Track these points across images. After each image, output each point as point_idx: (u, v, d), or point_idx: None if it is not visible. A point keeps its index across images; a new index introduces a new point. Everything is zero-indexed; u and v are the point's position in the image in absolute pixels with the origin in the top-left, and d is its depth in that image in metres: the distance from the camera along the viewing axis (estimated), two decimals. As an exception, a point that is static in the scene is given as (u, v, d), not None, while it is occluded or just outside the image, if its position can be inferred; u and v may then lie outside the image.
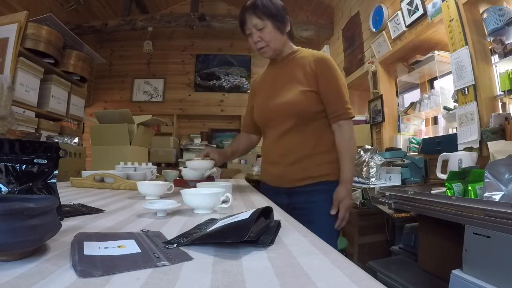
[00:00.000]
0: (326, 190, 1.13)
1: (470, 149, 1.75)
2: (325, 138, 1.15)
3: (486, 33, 1.76)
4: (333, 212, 1.11)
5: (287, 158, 1.15)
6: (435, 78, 2.48)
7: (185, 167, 1.34)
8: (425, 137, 2.48)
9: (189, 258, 0.40)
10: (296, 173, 1.13)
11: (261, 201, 1.01)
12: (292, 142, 1.14)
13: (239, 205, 0.88)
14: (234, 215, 0.56)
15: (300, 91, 1.12)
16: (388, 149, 2.49)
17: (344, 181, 1.11)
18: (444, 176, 1.53)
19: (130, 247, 0.43)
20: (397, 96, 2.87)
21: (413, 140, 2.61)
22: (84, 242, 0.43)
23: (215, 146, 4.36)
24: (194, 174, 1.34)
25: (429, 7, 2.18)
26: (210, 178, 1.40)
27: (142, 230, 0.54)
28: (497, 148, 1.48)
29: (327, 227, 1.12)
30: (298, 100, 1.12)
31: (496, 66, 1.78)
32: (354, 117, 1.17)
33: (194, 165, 1.28)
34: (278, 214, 0.75)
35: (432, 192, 1.33)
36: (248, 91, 1.40)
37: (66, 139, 2.55)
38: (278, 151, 1.17)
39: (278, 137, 1.17)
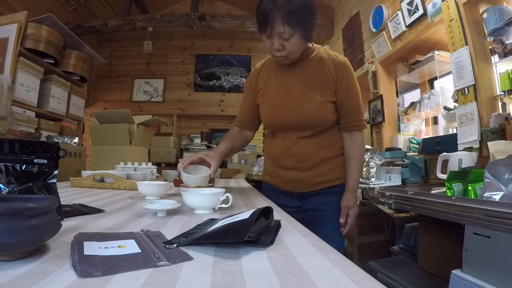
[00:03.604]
0: (339, 192, 1.13)
1: (470, 149, 1.75)
2: (338, 142, 1.13)
3: (486, 33, 1.76)
4: (342, 220, 1.11)
5: (302, 164, 1.10)
6: (435, 78, 2.48)
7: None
8: (425, 137, 2.48)
9: (189, 258, 0.40)
10: (312, 178, 1.10)
11: (261, 201, 1.01)
12: (308, 148, 1.09)
13: (239, 205, 0.88)
14: (234, 215, 0.56)
15: (319, 103, 1.05)
16: (388, 149, 2.49)
17: (353, 189, 1.11)
18: (444, 176, 1.53)
19: (130, 247, 0.43)
20: (397, 96, 2.88)
21: (413, 140, 2.61)
22: (84, 242, 0.43)
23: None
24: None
25: (429, 7, 2.18)
26: (210, 180, 1.39)
27: (142, 230, 0.54)
28: (497, 148, 1.48)
29: (338, 227, 1.13)
30: (316, 112, 1.06)
31: (496, 66, 1.79)
32: (366, 128, 1.14)
33: (190, 182, 0.98)
34: (278, 214, 0.75)
35: (432, 192, 1.33)
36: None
37: (66, 139, 2.55)
38: (293, 157, 1.10)
39: (292, 143, 1.10)
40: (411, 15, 2.38)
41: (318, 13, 1.00)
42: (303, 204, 1.15)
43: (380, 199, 1.53)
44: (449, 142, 1.92)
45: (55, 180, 0.59)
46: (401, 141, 2.66)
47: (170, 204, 0.71)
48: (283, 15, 0.89)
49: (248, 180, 2.42)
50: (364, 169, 2.10)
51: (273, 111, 1.13)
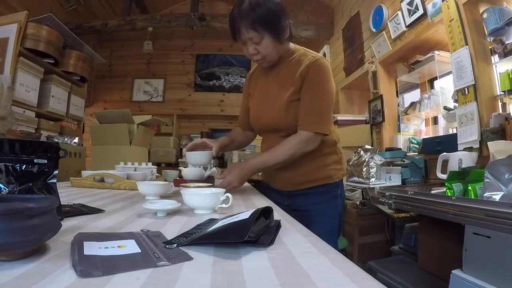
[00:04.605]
0: (326, 192, 1.13)
1: (470, 149, 1.75)
2: (323, 141, 1.11)
3: (486, 33, 1.75)
4: (218, 180, 1.08)
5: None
6: (435, 78, 2.48)
7: (185, 167, 1.34)
8: (425, 137, 2.48)
9: (189, 258, 0.40)
10: (297, 177, 1.12)
11: (261, 201, 1.01)
12: None
13: (239, 205, 0.88)
14: (234, 215, 0.56)
15: (287, 103, 1.06)
16: (388, 149, 2.49)
17: (251, 162, 1.07)
18: (444, 176, 1.53)
19: (130, 247, 0.43)
20: (397, 96, 2.87)
21: (413, 140, 2.61)
22: (84, 242, 0.43)
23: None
24: (194, 173, 1.33)
25: (429, 7, 2.18)
26: (210, 179, 1.39)
27: (142, 230, 0.54)
28: (497, 148, 1.48)
29: (328, 228, 1.12)
30: (284, 114, 1.07)
31: (496, 66, 1.78)
32: (321, 134, 1.04)
33: (194, 159, 1.17)
34: (278, 214, 0.75)
35: (432, 192, 1.33)
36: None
37: (66, 139, 2.55)
38: None
39: (275, 142, 1.12)
40: (411, 15, 2.38)
41: (287, 14, 1.02)
42: (291, 203, 1.16)
43: (380, 199, 1.53)
44: (449, 142, 1.92)
45: (55, 180, 0.59)
46: (401, 141, 2.66)
47: (170, 204, 0.71)
48: (246, 22, 0.96)
49: (248, 180, 2.41)
50: (364, 169, 2.10)
51: (256, 114, 1.20)
